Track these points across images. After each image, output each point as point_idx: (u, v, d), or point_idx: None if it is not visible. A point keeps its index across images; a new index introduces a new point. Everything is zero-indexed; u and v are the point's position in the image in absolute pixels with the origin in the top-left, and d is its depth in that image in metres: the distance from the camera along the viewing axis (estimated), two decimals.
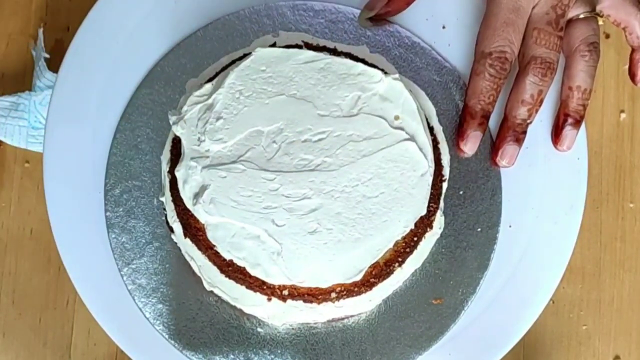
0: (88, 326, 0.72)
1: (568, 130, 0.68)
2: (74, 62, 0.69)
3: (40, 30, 0.74)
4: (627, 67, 0.72)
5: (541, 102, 0.67)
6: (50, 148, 0.68)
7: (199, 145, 0.62)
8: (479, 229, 0.68)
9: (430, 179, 0.63)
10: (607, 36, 0.68)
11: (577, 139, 0.69)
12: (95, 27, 0.69)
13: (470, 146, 0.68)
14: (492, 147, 0.69)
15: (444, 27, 0.71)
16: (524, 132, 0.68)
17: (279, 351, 0.66)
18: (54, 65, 0.72)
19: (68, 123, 0.68)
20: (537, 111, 0.67)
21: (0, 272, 0.73)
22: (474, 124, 0.68)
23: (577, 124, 0.68)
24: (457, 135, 0.68)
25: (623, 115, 0.75)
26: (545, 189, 0.69)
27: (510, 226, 0.68)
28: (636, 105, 0.75)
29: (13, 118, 0.72)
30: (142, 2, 0.70)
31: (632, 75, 0.70)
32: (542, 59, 0.66)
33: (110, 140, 0.68)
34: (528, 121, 0.68)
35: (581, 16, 0.68)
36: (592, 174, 0.73)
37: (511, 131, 0.68)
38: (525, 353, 0.71)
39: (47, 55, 0.73)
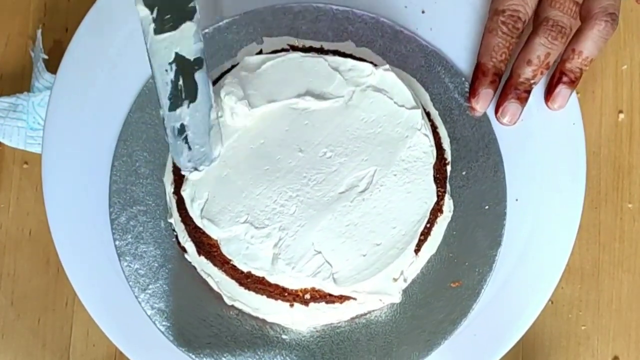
0: (87, 327, 0.71)
1: (562, 88, 0.68)
2: (73, 63, 0.69)
3: (39, 32, 0.73)
4: (625, 67, 0.72)
5: (548, 65, 0.67)
6: (48, 149, 0.68)
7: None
8: (487, 207, 0.68)
9: (433, 161, 0.63)
10: None
11: (570, 104, 0.68)
12: (93, 28, 0.69)
13: (482, 104, 0.68)
14: (494, 109, 0.68)
15: (423, 12, 0.71)
16: (527, 92, 0.67)
17: (306, 354, 0.65)
18: (52, 66, 0.71)
19: (66, 124, 0.68)
20: (542, 73, 0.67)
21: None
22: (485, 81, 0.67)
23: (571, 84, 0.68)
24: (469, 93, 0.68)
25: (622, 116, 0.74)
26: (545, 158, 0.69)
27: (517, 200, 0.68)
28: (635, 105, 0.74)
29: (11, 119, 0.71)
30: None
31: None
32: (554, 21, 0.66)
33: (110, 163, 0.68)
34: (532, 82, 0.67)
35: None
36: (591, 174, 0.72)
37: (513, 89, 0.67)
38: (524, 353, 0.71)
39: (46, 57, 0.73)
